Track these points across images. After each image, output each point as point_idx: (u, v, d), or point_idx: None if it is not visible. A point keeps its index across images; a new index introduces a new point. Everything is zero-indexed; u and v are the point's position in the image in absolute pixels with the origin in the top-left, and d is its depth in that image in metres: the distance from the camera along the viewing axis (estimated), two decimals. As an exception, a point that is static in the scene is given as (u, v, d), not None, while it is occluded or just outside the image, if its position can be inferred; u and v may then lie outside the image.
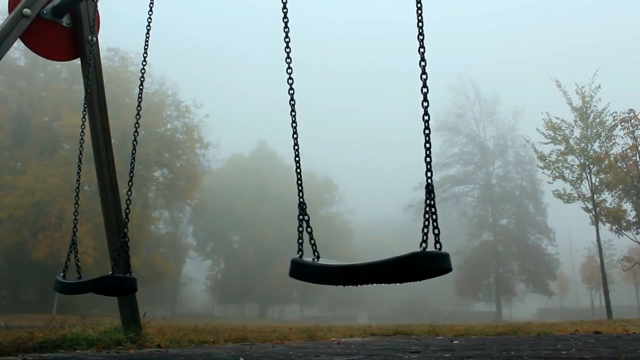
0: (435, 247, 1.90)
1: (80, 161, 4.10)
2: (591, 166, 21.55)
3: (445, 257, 1.88)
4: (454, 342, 4.99)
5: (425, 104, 2.04)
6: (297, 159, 2.54)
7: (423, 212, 1.93)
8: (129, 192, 3.54)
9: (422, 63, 2.06)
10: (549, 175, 22.36)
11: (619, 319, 14.90)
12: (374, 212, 73.26)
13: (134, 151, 3.66)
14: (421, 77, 2.06)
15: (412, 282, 2.04)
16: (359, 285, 2.10)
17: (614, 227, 21.88)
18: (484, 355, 3.12)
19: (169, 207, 42.95)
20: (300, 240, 2.33)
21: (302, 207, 2.38)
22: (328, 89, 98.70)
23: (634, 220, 21.81)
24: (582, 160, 21.73)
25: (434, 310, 50.85)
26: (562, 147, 22.18)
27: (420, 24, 2.11)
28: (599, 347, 3.67)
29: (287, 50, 2.61)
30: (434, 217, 1.92)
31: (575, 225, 41.03)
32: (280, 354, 3.50)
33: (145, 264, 34.18)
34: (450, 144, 50.83)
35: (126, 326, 4.44)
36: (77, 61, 4.73)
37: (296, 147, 2.56)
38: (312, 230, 2.34)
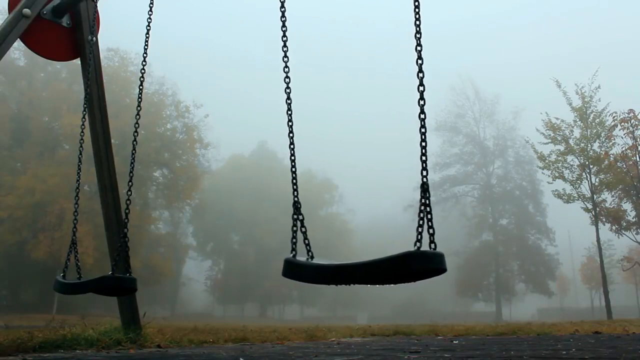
0: (430, 247, 1.88)
1: (80, 161, 4.10)
2: (591, 166, 21.55)
3: (440, 257, 1.86)
4: (454, 342, 4.99)
5: (421, 102, 2.03)
6: (292, 157, 2.52)
7: (418, 211, 1.91)
8: (129, 192, 3.54)
9: (419, 61, 2.06)
10: (549, 176, 22.37)
11: (619, 319, 14.90)
12: (374, 212, 73.29)
13: (133, 151, 3.66)
14: (418, 75, 2.05)
15: (410, 283, 2.02)
16: (354, 285, 2.09)
17: (613, 227, 21.89)
18: (484, 355, 3.12)
19: (169, 207, 42.93)
20: (294, 240, 2.32)
21: (296, 206, 2.37)
22: (328, 90, 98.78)
23: (634, 220, 21.81)
24: (582, 161, 21.73)
25: (434, 310, 50.79)
26: (562, 147, 22.18)
27: (417, 22, 2.10)
28: (599, 347, 3.67)
29: (285, 49, 2.61)
30: (429, 216, 1.90)
31: (575, 225, 41.06)
32: (280, 354, 3.50)
33: (145, 264, 34.18)
34: (450, 144, 50.87)
35: (126, 326, 4.44)
36: (77, 61, 4.73)
37: (292, 146, 2.54)
38: (306, 230, 2.33)
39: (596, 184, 21.59)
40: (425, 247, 1.88)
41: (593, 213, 21.29)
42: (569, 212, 26.62)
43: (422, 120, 2.03)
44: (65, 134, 32.39)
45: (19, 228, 30.47)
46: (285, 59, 2.60)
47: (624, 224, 21.79)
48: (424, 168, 1.98)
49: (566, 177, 21.90)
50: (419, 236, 1.87)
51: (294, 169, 2.52)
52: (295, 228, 2.32)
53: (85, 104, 4.31)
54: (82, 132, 4.08)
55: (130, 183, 3.61)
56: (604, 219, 21.65)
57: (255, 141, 64.49)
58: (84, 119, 4.15)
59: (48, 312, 23.20)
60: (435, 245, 1.88)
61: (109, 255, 4.36)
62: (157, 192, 40.79)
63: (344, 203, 62.87)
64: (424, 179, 1.96)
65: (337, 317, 49.00)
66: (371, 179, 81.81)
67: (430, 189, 2.00)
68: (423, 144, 2.01)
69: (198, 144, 40.61)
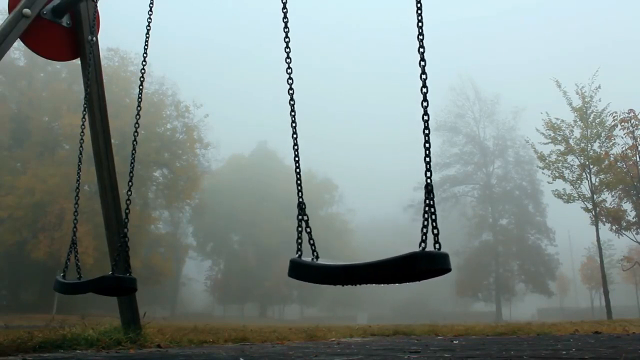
0: (435, 247, 1.89)
1: (80, 161, 4.10)
2: (591, 166, 21.54)
3: (444, 257, 1.87)
4: (454, 342, 4.99)
5: (425, 103, 2.04)
6: (296, 159, 2.54)
7: (422, 212, 1.92)
8: (129, 192, 3.54)
9: (422, 63, 2.06)
10: (549, 176, 22.37)
11: (619, 319, 14.90)
12: (374, 212, 73.25)
13: (133, 151, 3.66)
14: (421, 77, 2.06)
15: (412, 283, 2.03)
16: (358, 285, 2.09)
17: (614, 227, 21.89)
18: (484, 355, 3.12)
19: (169, 207, 42.93)
20: (300, 240, 2.33)
21: (301, 207, 2.38)
22: (328, 90, 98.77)
23: (634, 220, 21.80)
24: (582, 161, 21.73)
25: (434, 310, 50.80)
26: (562, 147, 22.17)
27: (420, 24, 2.11)
28: (599, 347, 3.67)
29: (287, 50, 2.61)
30: (434, 217, 1.91)
31: (575, 225, 41.04)
32: (280, 354, 3.50)
33: (145, 264, 34.17)
34: (450, 144, 50.89)
35: (126, 326, 4.44)
36: (77, 61, 4.73)
37: (296, 147, 2.55)
38: (311, 230, 2.34)
39: (596, 184, 21.59)
40: (430, 247, 1.89)
41: (593, 213, 21.29)
42: (569, 212, 26.62)
43: (426, 122, 2.04)
44: (65, 134, 32.39)
45: (19, 228, 30.46)
46: (288, 60, 2.60)
47: (624, 224, 21.79)
48: (428, 169, 2.00)
49: (566, 177, 21.90)
50: (424, 237, 1.89)
51: (298, 170, 2.53)
52: (300, 229, 2.33)
53: (85, 103, 4.31)
54: (82, 132, 4.08)
55: (130, 183, 3.61)
56: (604, 219, 21.64)
57: (255, 141, 64.50)
58: (84, 119, 4.15)
59: (48, 312, 23.19)
60: (440, 246, 1.90)
61: (109, 255, 4.36)
62: (157, 192, 40.79)
63: (344, 203, 62.93)
64: (428, 180, 1.97)
65: (337, 317, 48.97)
66: (371, 179, 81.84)
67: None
68: (427, 145, 2.03)
69: (198, 144, 40.62)
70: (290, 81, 2.58)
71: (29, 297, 35.03)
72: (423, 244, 1.87)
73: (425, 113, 2.04)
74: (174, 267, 44.27)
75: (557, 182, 22.20)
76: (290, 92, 2.58)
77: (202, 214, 46.37)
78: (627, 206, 22.01)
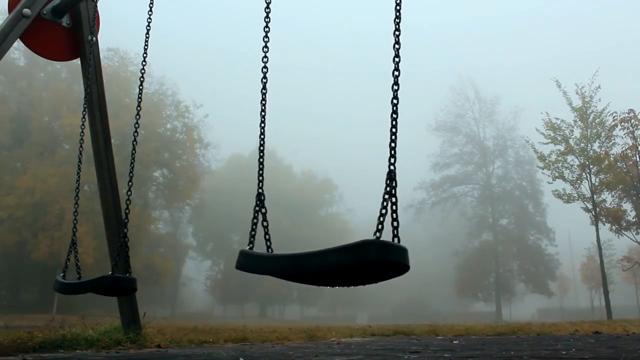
0: (393, 241, 1.74)
1: (80, 161, 4.10)
2: (591, 166, 21.55)
3: (401, 250, 1.69)
4: (454, 342, 5.00)
5: (395, 87, 1.97)
6: (261, 148, 2.47)
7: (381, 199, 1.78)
8: (129, 192, 3.54)
9: (397, 46, 2.00)
10: (549, 176, 22.38)
11: (619, 319, 14.90)
12: (374, 212, 72.97)
13: (133, 151, 3.66)
14: (394, 60, 1.98)
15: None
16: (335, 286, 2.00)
17: (613, 227, 21.89)
18: (484, 355, 3.12)
19: (169, 207, 42.94)
20: (253, 232, 2.21)
21: (260, 198, 2.29)
22: (329, 92, 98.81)
23: (634, 220, 21.81)
24: (582, 161, 21.73)
25: (434, 310, 50.80)
26: (562, 147, 22.17)
27: (397, 20, 2.05)
28: (599, 347, 3.67)
29: (265, 39, 2.57)
30: (394, 207, 1.78)
31: (575, 225, 41.05)
32: (280, 354, 3.50)
33: (145, 264, 34.18)
34: (450, 144, 50.88)
35: (126, 326, 4.44)
36: (77, 61, 4.73)
37: (262, 137, 2.51)
38: (268, 224, 2.26)
39: (596, 184, 21.59)
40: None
41: (593, 213, 21.29)
42: (569, 212, 26.63)
43: (395, 105, 1.95)
44: (65, 134, 32.39)
45: (19, 228, 30.46)
46: (265, 49, 2.55)
47: (624, 224, 21.79)
48: (392, 155, 1.87)
49: (566, 177, 21.91)
50: (380, 226, 1.74)
51: (261, 160, 2.44)
52: (255, 220, 2.23)
53: (85, 103, 4.31)
54: (82, 132, 4.08)
55: (130, 183, 3.61)
56: (604, 219, 21.64)
57: (255, 141, 63.63)
58: (83, 119, 4.15)
59: (48, 312, 23.17)
60: (399, 240, 1.74)
61: (109, 255, 4.35)
62: (157, 192, 40.80)
63: (344, 203, 62.87)
64: (391, 167, 1.84)
65: (337, 317, 48.99)
66: (371, 179, 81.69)
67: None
68: (393, 129, 1.93)
69: (198, 144, 40.65)
70: (264, 70, 2.53)
71: (29, 297, 35.03)
72: (378, 233, 1.72)
73: (395, 97, 1.96)
74: (174, 267, 44.25)
75: (557, 182, 22.23)
76: (264, 80, 2.53)
77: (202, 214, 46.37)
78: (627, 206, 22.03)
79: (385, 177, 1.81)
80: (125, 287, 3.46)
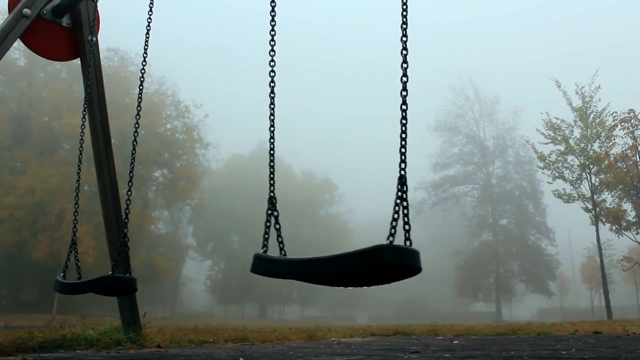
0: (405, 244, 1.77)
1: (80, 161, 4.09)
2: (591, 166, 21.55)
3: (414, 253, 1.73)
4: (454, 342, 4.99)
5: (404, 92, 1.97)
6: (271, 152, 2.47)
7: (393, 205, 1.79)
8: (129, 192, 3.54)
9: (404, 52, 2.00)
10: (549, 176, 22.39)
11: (619, 319, 14.90)
12: (374, 212, 73.21)
13: (134, 151, 3.66)
14: (402, 66, 2.00)
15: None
16: (340, 287, 2.03)
17: (614, 227, 21.90)
18: (484, 355, 3.12)
19: (169, 207, 42.95)
20: (267, 236, 2.22)
21: (272, 201, 2.29)
22: (329, 92, 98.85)
23: (634, 220, 21.81)
24: (582, 161, 21.74)
25: (434, 310, 50.83)
26: (562, 147, 22.19)
27: (404, 26, 2.06)
28: (599, 347, 3.67)
29: (272, 43, 2.57)
30: (405, 211, 1.80)
31: (575, 225, 41.05)
32: (280, 354, 3.50)
33: (145, 264, 34.16)
34: (450, 144, 50.90)
35: (126, 326, 4.44)
36: (77, 61, 4.72)
37: (272, 140, 2.49)
38: (280, 227, 2.25)
39: (596, 184, 21.60)
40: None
41: (593, 213, 21.30)
42: (569, 212, 26.63)
43: (404, 111, 1.95)
44: (65, 134, 32.40)
45: (19, 228, 30.47)
46: (272, 53, 2.55)
47: (624, 224, 21.80)
48: (403, 160, 1.88)
49: (566, 177, 21.92)
50: (393, 230, 1.77)
51: (272, 163, 2.43)
52: (268, 224, 2.24)
53: (85, 104, 4.30)
54: (82, 132, 4.08)
55: (130, 183, 3.61)
56: (604, 219, 21.65)
57: (255, 141, 64.41)
58: (84, 119, 4.14)
59: (48, 312, 23.16)
60: (411, 243, 1.78)
61: (109, 255, 4.35)
62: (157, 192, 40.81)
63: (344, 203, 62.88)
64: (402, 172, 1.86)
65: (337, 317, 48.97)
66: (371, 179, 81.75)
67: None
68: (403, 135, 1.93)
69: (198, 144, 40.67)
70: (272, 74, 2.52)
71: (29, 297, 35.03)
72: (391, 238, 1.74)
73: (404, 102, 1.96)
74: (174, 267, 44.26)
75: (557, 182, 22.24)
76: (272, 85, 2.52)
77: (202, 214, 46.37)
78: (627, 206, 22.03)
79: (390, 179, 1.82)
80: (125, 287, 3.45)
